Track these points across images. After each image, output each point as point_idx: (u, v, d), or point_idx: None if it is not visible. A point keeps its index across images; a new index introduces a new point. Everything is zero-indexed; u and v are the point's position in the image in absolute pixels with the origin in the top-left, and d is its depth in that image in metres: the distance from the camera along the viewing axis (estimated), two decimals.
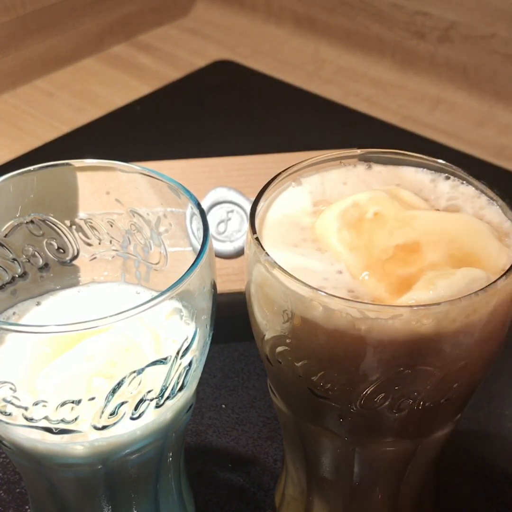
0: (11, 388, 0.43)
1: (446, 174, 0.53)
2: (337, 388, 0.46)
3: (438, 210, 0.51)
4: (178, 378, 0.47)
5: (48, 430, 0.44)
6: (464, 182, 0.53)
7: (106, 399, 0.44)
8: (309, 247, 0.49)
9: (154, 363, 0.45)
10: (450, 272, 0.45)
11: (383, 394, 0.45)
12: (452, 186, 0.53)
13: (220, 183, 0.83)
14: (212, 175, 0.85)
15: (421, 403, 0.46)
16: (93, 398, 0.44)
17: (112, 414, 0.44)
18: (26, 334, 0.42)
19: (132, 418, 0.46)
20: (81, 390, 0.44)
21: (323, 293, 0.43)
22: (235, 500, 0.67)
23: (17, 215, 0.52)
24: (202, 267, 0.46)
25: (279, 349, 0.48)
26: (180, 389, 0.48)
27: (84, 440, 0.46)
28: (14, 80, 1.29)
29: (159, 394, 0.46)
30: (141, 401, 0.45)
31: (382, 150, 0.54)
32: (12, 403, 0.44)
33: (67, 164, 0.52)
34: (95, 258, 0.56)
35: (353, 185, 0.53)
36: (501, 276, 0.43)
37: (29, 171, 0.51)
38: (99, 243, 0.56)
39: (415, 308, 0.42)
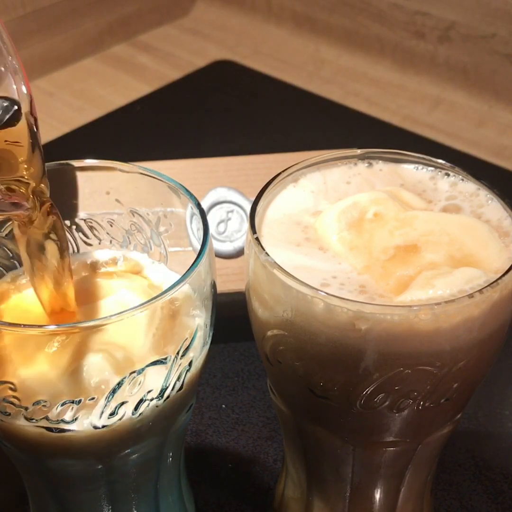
0: (11, 388, 0.43)
1: (446, 173, 0.53)
2: (337, 388, 0.46)
3: (438, 210, 0.51)
4: (178, 378, 0.47)
5: (48, 430, 0.44)
6: (463, 180, 0.53)
7: (106, 399, 0.44)
8: (311, 246, 0.49)
9: (154, 363, 0.45)
10: (449, 272, 0.45)
11: (383, 394, 0.45)
12: (451, 185, 0.53)
13: (220, 183, 0.83)
14: (212, 175, 0.85)
15: (421, 403, 0.46)
16: (93, 398, 0.44)
17: (112, 414, 0.44)
18: (26, 334, 0.42)
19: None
20: (81, 390, 0.44)
21: (323, 293, 0.43)
22: (235, 500, 0.67)
23: None
24: (202, 267, 0.46)
25: (279, 349, 0.48)
26: (180, 389, 0.48)
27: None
28: None
29: (159, 394, 0.46)
30: (141, 401, 0.45)
31: (382, 150, 0.54)
32: (12, 403, 0.44)
33: (67, 164, 0.52)
34: None
35: (356, 184, 0.53)
36: (501, 276, 0.43)
37: None
38: (99, 243, 0.56)
39: (415, 307, 0.42)
